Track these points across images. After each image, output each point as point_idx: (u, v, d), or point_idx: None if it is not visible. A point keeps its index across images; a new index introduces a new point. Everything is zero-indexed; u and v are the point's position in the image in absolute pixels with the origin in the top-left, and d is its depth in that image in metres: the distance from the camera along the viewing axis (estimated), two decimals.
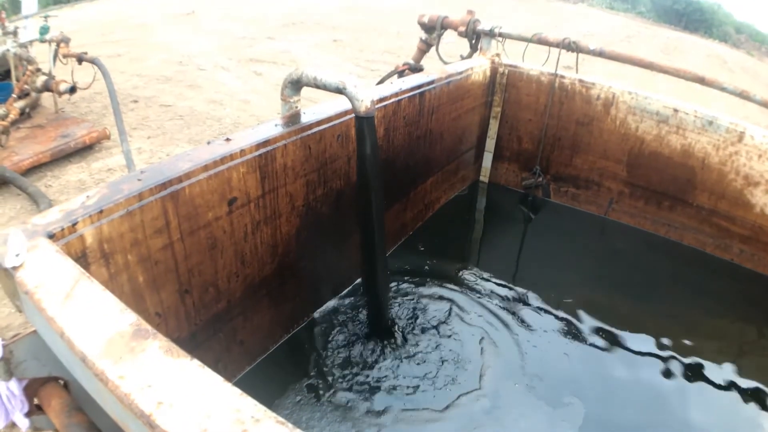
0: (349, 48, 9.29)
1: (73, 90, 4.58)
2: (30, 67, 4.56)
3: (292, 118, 2.00)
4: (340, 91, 1.82)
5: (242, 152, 1.76)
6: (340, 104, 2.16)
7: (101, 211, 1.43)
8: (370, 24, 11.31)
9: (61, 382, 1.38)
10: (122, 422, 0.94)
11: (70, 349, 1.00)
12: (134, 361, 0.93)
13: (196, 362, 0.92)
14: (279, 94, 2.03)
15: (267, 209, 1.94)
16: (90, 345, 0.97)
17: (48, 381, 1.36)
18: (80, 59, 4.59)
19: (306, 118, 2.03)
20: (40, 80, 4.58)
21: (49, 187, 4.04)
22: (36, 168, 4.20)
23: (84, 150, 4.58)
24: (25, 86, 4.55)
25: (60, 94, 4.57)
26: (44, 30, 4.67)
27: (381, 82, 3.35)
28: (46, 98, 4.90)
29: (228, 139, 1.79)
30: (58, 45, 4.70)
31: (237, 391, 0.86)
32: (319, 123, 2.05)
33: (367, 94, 1.81)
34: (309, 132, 2.01)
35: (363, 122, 1.85)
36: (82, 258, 1.40)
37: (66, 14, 9.32)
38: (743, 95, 2.85)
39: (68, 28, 5.57)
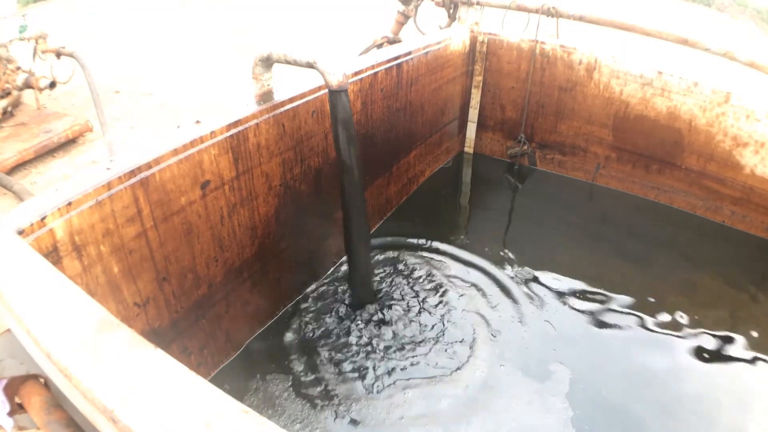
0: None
1: (53, 85, 4.53)
2: (10, 66, 4.50)
3: (264, 96, 1.95)
4: (311, 65, 1.78)
5: (212, 134, 1.71)
6: (314, 79, 2.10)
7: (70, 203, 1.40)
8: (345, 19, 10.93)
9: (42, 380, 1.36)
10: (90, 417, 0.92)
11: (37, 347, 0.98)
12: (98, 355, 0.91)
13: (161, 353, 0.89)
14: None
15: (242, 191, 1.90)
16: (55, 341, 0.96)
17: (28, 379, 1.34)
18: (59, 54, 4.53)
19: (278, 96, 1.98)
20: (21, 78, 4.53)
21: (34, 184, 4.00)
22: (20, 165, 4.16)
23: (67, 144, 4.54)
24: (6, 85, 4.50)
25: (40, 90, 4.53)
26: (23, 29, 4.60)
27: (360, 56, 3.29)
28: (28, 96, 4.85)
29: (198, 122, 1.74)
30: (36, 41, 4.63)
31: (201, 380, 0.83)
32: (292, 100, 2.00)
33: (340, 68, 1.76)
34: (282, 109, 1.96)
35: (336, 96, 1.80)
36: (53, 252, 1.38)
37: (45, 9, 9.15)
38: (728, 56, 2.80)
39: (47, 23, 5.48)
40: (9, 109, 4.61)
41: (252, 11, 9.54)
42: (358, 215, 2.05)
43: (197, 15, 9.29)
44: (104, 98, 4.85)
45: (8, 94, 4.56)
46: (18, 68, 4.57)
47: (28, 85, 4.54)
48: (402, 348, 2.18)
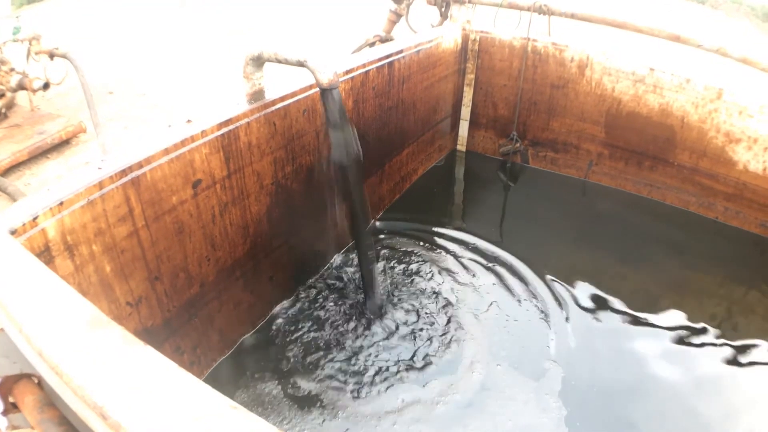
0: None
1: (46, 86, 4.53)
2: (3, 68, 4.49)
3: (255, 95, 1.96)
4: (302, 64, 1.78)
5: (203, 133, 1.72)
6: (305, 78, 2.11)
7: (61, 203, 1.41)
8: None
9: (35, 379, 1.36)
10: (82, 414, 0.92)
11: (29, 345, 0.98)
12: (89, 352, 0.91)
13: (151, 350, 0.90)
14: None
15: (234, 190, 1.90)
16: (47, 339, 0.96)
17: (21, 378, 1.34)
18: (52, 55, 4.53)
19: (269, 95, 1.98)
20: (14, 79, 4.53)
21: (28, 185, 3.99)
22: (14, 167, 4.15)
23: (61, 145, 4.54)
24: (0, 87, 4.49)
25: (34, 91, 4.52)
26: (17, 30, 4.59)
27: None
28: (22, 97, 4.85)
29: (189, 121, 1.74)
30: (30, 43, 4.62)
31: (191, 377, 0.84)
32: (283, 98, 2.01)
33: (330, 66, 1.76)
34: (273, 108, 1.97)
35: (327, 95, 1.81)
36: (45, 252, 1.38)
37: (39, 10, 9.11)
38: (720, 52, 2.80)
39: (41, 24, 5.46)
40: (3, 110, 4.61)
41: (251, 11, 9.51)
42: (361, 214, 2.05)
43: (196, 15, 9.26)
44: (98, 99, 4.83)
45: (2, 95, 4.57)
46: (12, 70, 4.57)
47: (21, 87, 4.54)
48: (395, 348, 2.19)
